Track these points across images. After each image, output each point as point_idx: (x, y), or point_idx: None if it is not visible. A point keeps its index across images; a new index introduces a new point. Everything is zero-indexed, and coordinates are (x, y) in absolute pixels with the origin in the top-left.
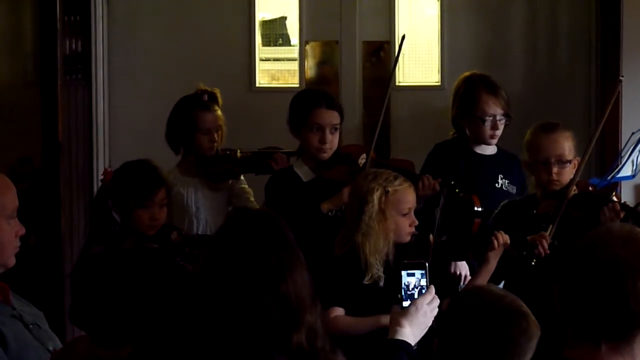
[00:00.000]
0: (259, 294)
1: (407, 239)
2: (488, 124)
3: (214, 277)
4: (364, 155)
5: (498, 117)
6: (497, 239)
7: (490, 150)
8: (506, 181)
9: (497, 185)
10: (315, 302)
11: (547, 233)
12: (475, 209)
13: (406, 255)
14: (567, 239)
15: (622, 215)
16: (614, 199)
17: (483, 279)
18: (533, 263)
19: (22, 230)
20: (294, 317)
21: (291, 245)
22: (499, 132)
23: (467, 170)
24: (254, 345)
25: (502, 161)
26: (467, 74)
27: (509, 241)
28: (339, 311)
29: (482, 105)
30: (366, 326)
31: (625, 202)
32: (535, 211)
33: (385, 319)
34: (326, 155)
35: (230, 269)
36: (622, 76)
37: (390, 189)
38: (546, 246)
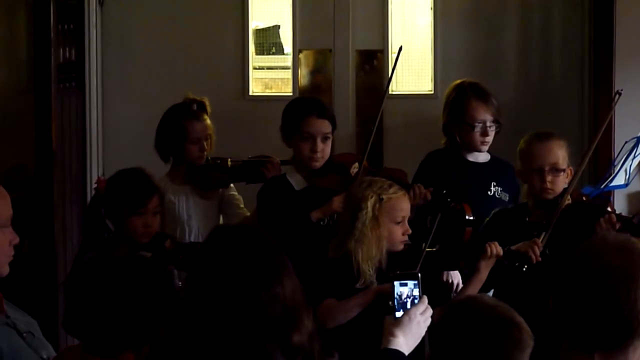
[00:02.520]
0: (253, 293)
1: (400, 247)
2: (478, 130)
3: (205, 282)
4: (357, 164)
5: (488, 124)
6: (490, 249)
7: (482, 157)
8: (499, 189)
9: (489, 193)
10: (309, 307)
11: (540, 240)
12: (467, 217)
13: (399, 264)
14: (560, 248)
15: (618, 226)
16: (609, 209)
17: (474, 288)
18: (524, 269)
19: (16, 239)
20: (291, 317)
21: (279, 253)
22: (489, 139)
23: (459, 178)
24: (251, 344)
25: (495, 169)
26: (457, 81)
27: (502, 253)
28: (331, 300)
29: (472, 111)
30: (357, 302)
31: (620, 212)
32: (527, 219)
33: (374, 288)
34: (318, 164)
35: (221, 275)
36: (621, 90)
37: (384, 197)
38: (538, 253)
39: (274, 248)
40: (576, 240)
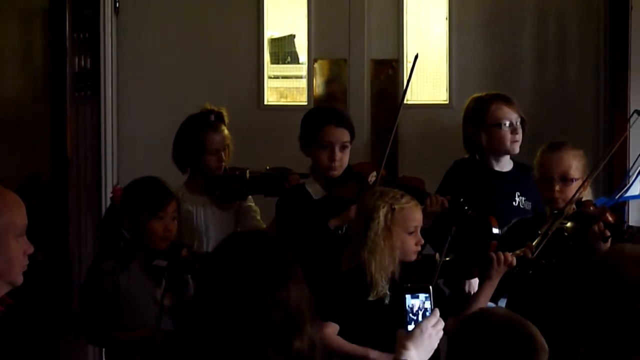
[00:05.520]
0: (258, 297)
1: (413, 257)
2: (507, 129)
3: (212, 284)
4: (375, 173)
5: (514, 121)
6: (498, 258)
7: (507, 166)
8: (523, 198)
9: (514, 203)
10: (315, 317)
11: (533, 244)
12: (493, 231)
13: (412, 274)
14: (567, 257)
15: (607, 234)
16: (609, 217)
17: (485, 296)
18: (529, 273)
19: (31, 249)
20: (294, 323)
21: (289, 260)
22: (519, 137)
23: (486, 189)
24: (252, 346)
25: (519, 177)
26: (474, 95)
27: (514, 263)
28: (333, 327)
29: (495, 111)
30: (354, 352)
31: (624, 221)
32: (539, 231)
33: (374, 354)
34: (336, 172)
35: (227, 276)
36: (638, 110)
37: (396, 207)
38: (529, 254)
39: (284, 254)
40: (569, 247)
